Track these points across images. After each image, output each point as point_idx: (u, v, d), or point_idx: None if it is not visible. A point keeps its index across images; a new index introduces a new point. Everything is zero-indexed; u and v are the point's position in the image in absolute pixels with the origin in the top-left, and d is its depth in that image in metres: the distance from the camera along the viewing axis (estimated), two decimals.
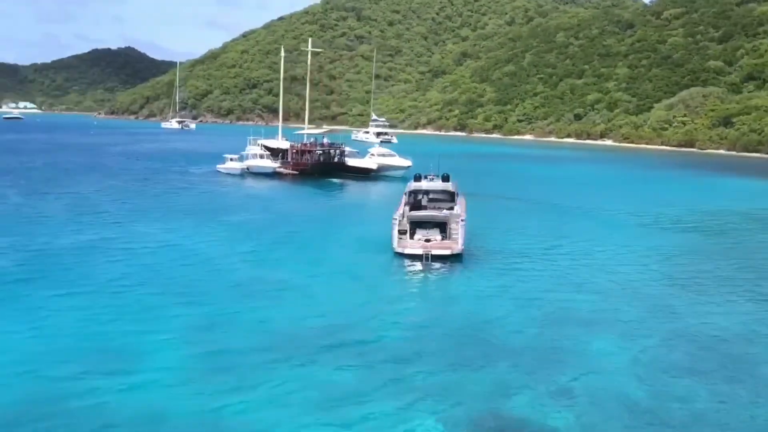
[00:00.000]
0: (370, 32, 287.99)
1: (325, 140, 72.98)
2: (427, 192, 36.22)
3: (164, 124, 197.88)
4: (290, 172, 70.16)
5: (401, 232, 31.58)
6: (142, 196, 49.52)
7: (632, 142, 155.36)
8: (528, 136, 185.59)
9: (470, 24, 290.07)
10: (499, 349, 19.58)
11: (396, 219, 32.12)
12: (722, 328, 21.93)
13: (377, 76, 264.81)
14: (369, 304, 23.75)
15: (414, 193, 35.93)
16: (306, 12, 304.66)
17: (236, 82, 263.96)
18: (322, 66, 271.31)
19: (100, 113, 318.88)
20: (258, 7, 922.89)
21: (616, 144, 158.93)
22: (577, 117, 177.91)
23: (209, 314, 21.67)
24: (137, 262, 28.16)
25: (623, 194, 61.95)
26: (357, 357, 18.46)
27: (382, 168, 70.94)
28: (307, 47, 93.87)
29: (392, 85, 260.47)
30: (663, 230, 41.82)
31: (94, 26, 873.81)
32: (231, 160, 69.72)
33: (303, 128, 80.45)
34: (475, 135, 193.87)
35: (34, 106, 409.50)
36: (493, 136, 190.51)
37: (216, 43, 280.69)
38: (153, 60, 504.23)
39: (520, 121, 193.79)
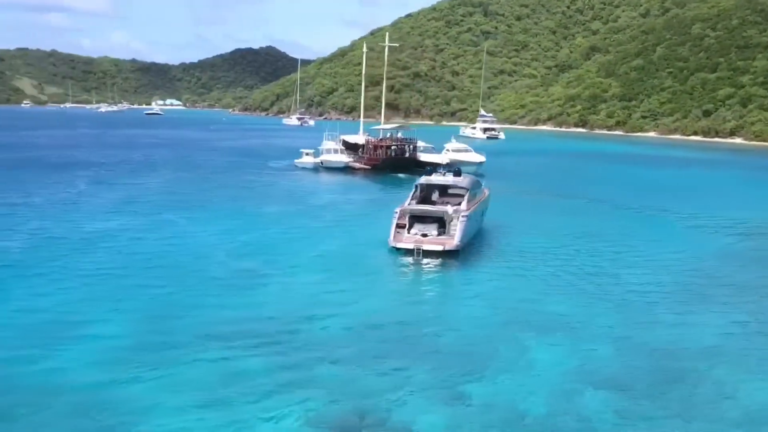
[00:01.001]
0: (496, 27, 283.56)
1: (399, 135, 72.64)
2: (437, 187, 35.33)
3: (285, 121, 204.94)
4: (362, 166, 70.62)
5: (399, 226, 31.26)
6: (194, 187, 51.73)
7: (765, 140, 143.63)
8: (651, 133, 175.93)
9: (602, 17, 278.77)
10: (425, 348, 18.92)
11: (396, 212, 31.82)
12: (690, 345, 19.93)
13: (501, 72, 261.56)
14: (326, 296, 23.57)
15: (425, 187, 35.19)
16: (433, 9, 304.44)
17: (360, 79, 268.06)
18: (445, 62, 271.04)
19: (234, 110, 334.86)
20: (397, 5, 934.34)
21: (747, 142, 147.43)
22: (706, 113, 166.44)
23: (166, 299, 22.33)
24: (128, 248, 29.49)
25: (721, 200, 55.55)
26: (268, 347, 18.39)
27: (453, 163, 69.66)
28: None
29: (515, 81, 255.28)
30: (718, 240, 38.37)
31: (241, 27, 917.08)
32: (306, 154, 71.18)
33: (380, 123, 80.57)
34: (596, 132, 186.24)
35: (179, 102, 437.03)
36: (615, 132, 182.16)
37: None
38: (293, 59, 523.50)
39: (644, 117, 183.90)
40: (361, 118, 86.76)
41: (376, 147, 70.33)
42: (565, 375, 17.38)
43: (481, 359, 18.19)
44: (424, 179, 35.85)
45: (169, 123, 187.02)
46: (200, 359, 17.36)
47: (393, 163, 68.78)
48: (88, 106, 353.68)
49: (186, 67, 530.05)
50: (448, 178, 35.69)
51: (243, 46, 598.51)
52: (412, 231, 31.26)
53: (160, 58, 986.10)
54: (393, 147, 70.21)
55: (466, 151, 71.43)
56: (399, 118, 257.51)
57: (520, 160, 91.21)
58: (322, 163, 69.97)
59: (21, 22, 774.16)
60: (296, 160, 71.54)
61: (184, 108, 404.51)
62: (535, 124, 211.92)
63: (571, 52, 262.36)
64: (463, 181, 35.40)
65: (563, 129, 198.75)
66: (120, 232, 33.02)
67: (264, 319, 20.73)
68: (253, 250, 30.21)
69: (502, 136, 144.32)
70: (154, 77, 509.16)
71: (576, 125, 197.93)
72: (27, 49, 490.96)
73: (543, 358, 18.41)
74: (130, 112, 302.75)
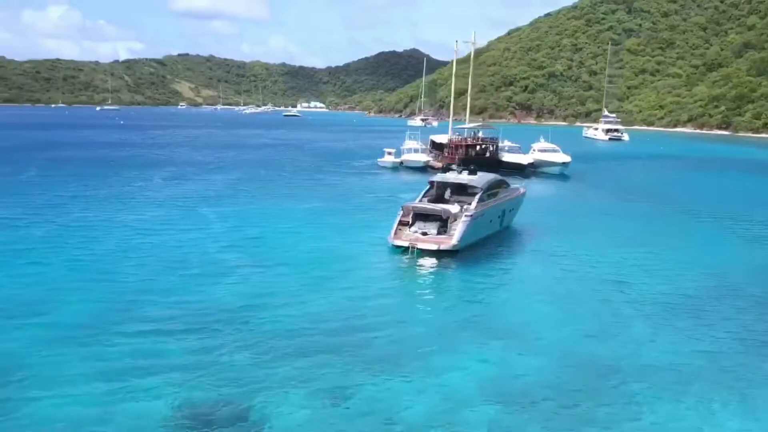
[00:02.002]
0: (640, 25, 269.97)
1: (480, 134, 70.63)
2: (451, 185, 33.99)
3: (410, 122, 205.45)
4: (442, 165, 69.42)
5: (402, 224, 30.63)
6: (254, 185, 52.67)
7: None
8: None
9: (759, 11, 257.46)
10: (339, 344, 18.12)
11: (401, 210, 31.25)
12: (634, 362, 17.83)
13: (643, 71, 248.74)
14: (286, 288, 23.18)
15: (439, 185, 34.14)
16: (573, 7, 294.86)
17: (493, 80, 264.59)
18: (582, 61, 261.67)
19: (370, 112, 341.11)
20: (543, 5, 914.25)
21: None
22: None
23: (135, 286, 22.90)
24: (129, 240, 30.41)
25: None
26: (184, 333, 18.50)
27: (538, 163, 66.88)
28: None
29: (658, 80, 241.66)
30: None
31: (390, 30, 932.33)
32: (388, 154, 70.90)
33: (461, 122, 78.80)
34: (741, 134, 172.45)
35: (323, 105, 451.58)
36: (762, 135, 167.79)
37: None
38: (435, 61, 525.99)
39: None
40: (450, 118, 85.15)
41: (456, 146, 68.88)
42: (477, 383, 16.10)
43: (399, 360, 17.24)
44: (438, 177, 35.04)
45: (298, 124, 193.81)
46: (124, 342, 17.83)
47: (472, 163, 66.92)
48: (236, 108, 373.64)
49: (332, 71, 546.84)
50: (462, 177, 34.27)
51: (389, 49, 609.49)
52: (412, 229, 30.41)
53: (310, 62, 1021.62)
54: (473, 146, 68.45)
55: (553, 151, 68.28)
56: (531, 119, 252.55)
57: (629, 163, 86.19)
58: (402, 162, 69.41)
59: (187, 29, 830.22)
60: (379, 160, 71.48)
61: (326, 110, 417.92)
62: (674, 126, 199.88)
63: (721, 49, 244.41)
64: (477, 180, 33.81)
65: (704, 131, 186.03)
66: (140, 222, 34.35)
67: (200, 308, 20.77)
68: (250, 244, 30.30)
69: (625, 137, 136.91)
70: (301, 80, 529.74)
71: (719, 127, 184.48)
72: (187, 54, 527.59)
73: (463, 365, 17.18)
74: (271, 114, 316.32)
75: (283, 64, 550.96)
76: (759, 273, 27.69)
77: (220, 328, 18.96)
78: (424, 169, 67.76)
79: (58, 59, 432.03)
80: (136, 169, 59.84)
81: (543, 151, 68.36)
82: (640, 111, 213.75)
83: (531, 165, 66.92)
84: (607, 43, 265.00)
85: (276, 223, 35.75)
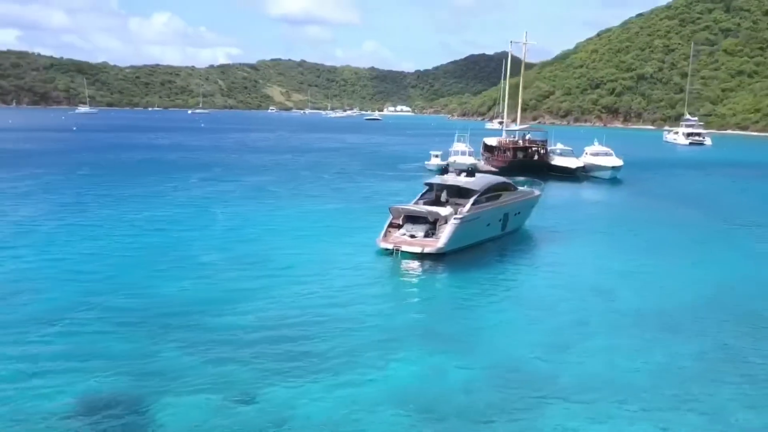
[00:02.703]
0: (739, 24, 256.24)
1: (528, 137, 68.28)
2: (448, 187, 32.72)
3: (487, 125, 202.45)
4: (489, 169, 67.63)
5: (391, 225, 29.96)
6: (292, 184, 52.95)
7: None
8: None
9: None
10: (289, 350, 17.56)
11: (390, 211, 30.78)
12: (554, 376, 16.41)
13: (739, 72, 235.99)
14: (258, 290, 22.71)
15: (436, 187, 32.99)
16: (667, 7, 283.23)
17: (579, 82, 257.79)
18: (674, 63, 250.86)
19: (453, 115, 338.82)
20: (641, 5, 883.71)
21: None
22: None
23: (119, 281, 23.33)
24: (133, 234, 30.67)
25: None
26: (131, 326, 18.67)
27: (589, 167, 64.08)
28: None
29: (756, 82, 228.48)
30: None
31: (482, 33, 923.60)
32: (435, 156, 69.59)
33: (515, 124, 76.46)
34: None
35: (408, 108, 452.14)
36: None
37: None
38: (527, 63, 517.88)
39: None
40: (504, 119, 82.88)
41: (505, 149, 66.95)
42: (394, 391, 15.33)
43: (321, 364, 16.59)
44: (437, 178, 33.88)
45: (375, 128, 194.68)
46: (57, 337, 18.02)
47: (520, 166, 64.90)
48: (323, 112, 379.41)
49: (420, 74, 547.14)
50: (459, 179, 32.98)
51: (479, 51, 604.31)
52: (401, 231, 29.65)
53: (399, 65, 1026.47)
54: (521, 149, 66.32)
55: (605, 154, 65.19)
56: (618, 123, 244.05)
57: (698, 169, 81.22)
58: (448, 165, 67.92)
59: (282, 34, 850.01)
60: (426, 162, 70.24)
61: (411, 114, 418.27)
62: None
63: None
64: (474, 182, 32.44)
65: None
66: (144, 221, 34.87)
67: (150, 304, 20.83)
68: (241, 243, 30.19)
69: (708, 142, 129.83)
70: (389, 84, 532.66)
71: None
72: (280, 59, 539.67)
73: (388, 371, 16.39)
74: (356, 117, 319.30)
75: (372, 68, 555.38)
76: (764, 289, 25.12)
77: (157, 326, 18.81)
78: (471, 172, 66.03)
79: (158, 65, 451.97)
80: (181, 171, 60.96)
81: (595, 154, 65.44)
82: (734, 114, 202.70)
83: (582, 169, 64.21)
84: (701, 44, 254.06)
85: (280, 222, 35.65)
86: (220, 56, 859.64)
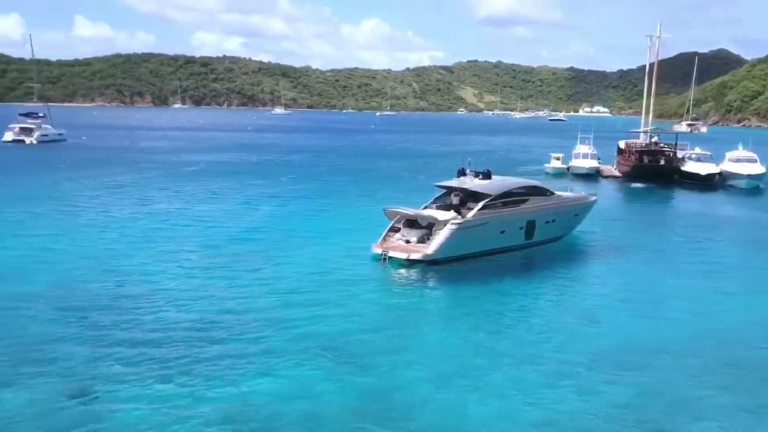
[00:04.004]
0: None
1: (655, 139, 60.23)
2: (459, 190, 29.68)
3: (675, 127, 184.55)
4: (612, 173, 61.12)
5: (392, 229, 28.47)
6: (365, 187, 51.79)
7: None
8: None
9: None
10: (235, 347, 17.40)
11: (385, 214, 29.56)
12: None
13: None
14: (245, 295, 22.20)
15: (448, 190, 30.38)
16: None
17: None
18: None
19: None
20: None
21: None
22: None
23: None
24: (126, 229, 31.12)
25: None
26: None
27: (725, 175, 55.31)
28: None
29: None
30: None
31: (706, 29, 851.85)
32: (555, 159, 64.03)
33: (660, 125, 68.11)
34: None
35: (606, 110, 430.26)
36: None
37: None
38: (745, 61, 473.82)
39: None
40: (642, 120, 74.67)
41: (629, 153, 59.95)
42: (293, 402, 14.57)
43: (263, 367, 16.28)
44: (454, 181, 30.79)
45: (547, 129, 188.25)
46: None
47: (646, 171, 57.62)
48: (510, 113, 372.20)
49: (623, 74, 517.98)
50: (471, 182, 29.98)
51: (692, 49, 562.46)
52: (396, 236, 27.99)
53: (601, 65, 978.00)
54: (647, 152, 58.93)
55: (749, 161, 55.74)
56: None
57: None
58: (568, 168, 62.08)
59: (486, 36, 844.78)
60: (545, 165, 64.77)
61: (608, 115, 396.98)
62: None
63: None
64: (487, 186, 29.51)
65: None
66: (163, 216, 36.45)
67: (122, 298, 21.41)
68: (248, 239, 30.95)
69: None
70: (588, 84, 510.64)
71: None
72: (476, 61, 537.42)
73: (336, 386, 15.46)
74: (539, 119, 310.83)
75: (571, 68, 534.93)
76: None
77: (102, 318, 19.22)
78: (594, 176, 59.97)
79: (356, 68, 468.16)
80: (275, 174, 60.93)
81: (735, 160, 56.19)
82: None
83: (718, 175, 55.59)
84: None
85: (294, 222, 35.61)
86: (424, 60, 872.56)
